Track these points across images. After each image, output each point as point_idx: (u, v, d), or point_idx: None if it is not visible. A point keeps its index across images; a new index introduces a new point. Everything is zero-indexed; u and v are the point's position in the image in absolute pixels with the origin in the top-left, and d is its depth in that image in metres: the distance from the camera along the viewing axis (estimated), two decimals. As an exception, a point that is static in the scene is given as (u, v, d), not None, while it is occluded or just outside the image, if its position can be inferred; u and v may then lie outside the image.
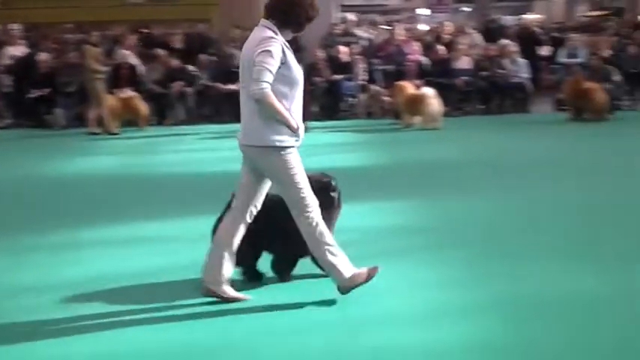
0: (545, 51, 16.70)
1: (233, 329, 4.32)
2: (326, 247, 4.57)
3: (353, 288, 4.61)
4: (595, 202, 7.20)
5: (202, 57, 14.55)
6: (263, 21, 4.59)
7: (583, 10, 36.47)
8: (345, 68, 14.26)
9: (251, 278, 5.05)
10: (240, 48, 4.80)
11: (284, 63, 4.44)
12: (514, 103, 14.45)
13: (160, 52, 14.50)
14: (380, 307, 4.56)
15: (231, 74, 11.62)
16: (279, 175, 4.53)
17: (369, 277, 4.64)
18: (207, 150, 10.93)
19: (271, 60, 4.36)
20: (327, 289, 4.69)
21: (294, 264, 5.09)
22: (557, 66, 15.16)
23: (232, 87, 11.74)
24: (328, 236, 4.61)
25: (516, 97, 14.42)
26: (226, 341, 4.18)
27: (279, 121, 4.43)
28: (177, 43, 15.68)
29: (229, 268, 4.71)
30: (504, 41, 15.27)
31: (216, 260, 4.68)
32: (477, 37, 16.62)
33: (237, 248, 4.69)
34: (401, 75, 14.02)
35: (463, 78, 14.18)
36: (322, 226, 4.58)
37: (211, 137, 12.10)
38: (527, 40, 16.71)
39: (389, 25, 18.61)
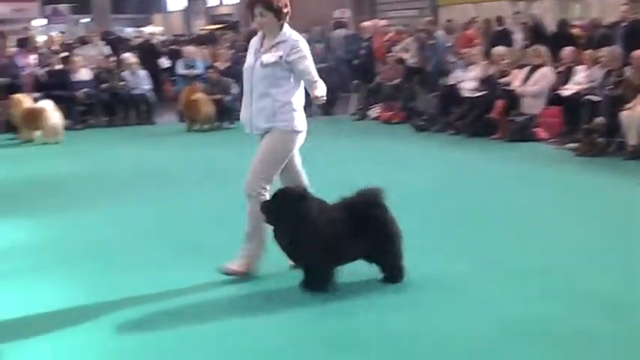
0: (165, 63, 17.01)
1: None
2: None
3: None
4: (197, 209, 7.25)
5: None
6: None
7: (201, 24, 37.92)
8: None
9: None
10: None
11: None
12: (138, 114, 14.47)
13: None
14: None
15: None
16: None
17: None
18: None
19: None
20: None
21: None
22: (178, 77, 15.50)
23: None
24: None
25: (140, 108, 14.46)
26: None
27: None
28: None
29: None
30: (125, 54, 15.26)
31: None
32: (105, 49, 16.45)
33: None
34: (16, 88, 13.30)
35: (84, 90, 13.85)
36: None
37: None
38: (148, 51, 16.91)
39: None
